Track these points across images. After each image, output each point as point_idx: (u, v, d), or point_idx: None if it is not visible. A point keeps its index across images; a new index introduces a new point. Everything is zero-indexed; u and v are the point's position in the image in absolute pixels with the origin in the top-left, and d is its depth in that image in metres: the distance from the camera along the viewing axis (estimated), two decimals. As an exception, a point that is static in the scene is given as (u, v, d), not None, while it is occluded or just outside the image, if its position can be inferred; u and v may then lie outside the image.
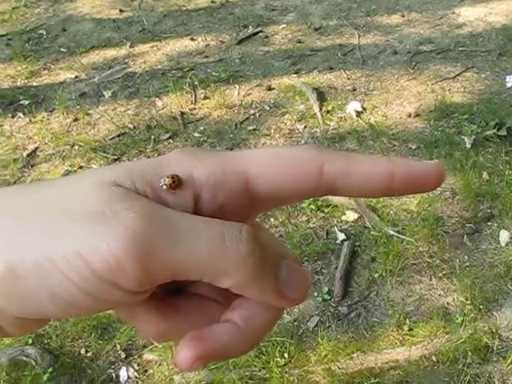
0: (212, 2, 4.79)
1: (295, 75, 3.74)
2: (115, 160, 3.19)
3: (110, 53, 4.21)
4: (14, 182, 3.11)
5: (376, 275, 2.44)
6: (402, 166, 0.32)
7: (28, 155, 3.30)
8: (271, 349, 2.17)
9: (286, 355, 2.17)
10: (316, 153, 0.32)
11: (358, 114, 3.35)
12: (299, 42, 4.12)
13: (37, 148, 3.36)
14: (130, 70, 3.98)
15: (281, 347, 2.19)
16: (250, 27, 4.35)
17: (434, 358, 2.12)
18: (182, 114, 3.48)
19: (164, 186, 0.31)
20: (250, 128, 3.34)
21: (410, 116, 3.31)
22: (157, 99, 3.64)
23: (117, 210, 0.28)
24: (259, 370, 2.13)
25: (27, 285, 0.28)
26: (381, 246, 2.53)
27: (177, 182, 0.31)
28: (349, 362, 2.15)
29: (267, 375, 2.11)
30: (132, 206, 0.29)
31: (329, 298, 2.37)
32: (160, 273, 0.28)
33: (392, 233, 2.59)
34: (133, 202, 0.29)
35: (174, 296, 0.33)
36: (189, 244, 0.28)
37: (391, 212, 2.70)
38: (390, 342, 2.21)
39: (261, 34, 4.27)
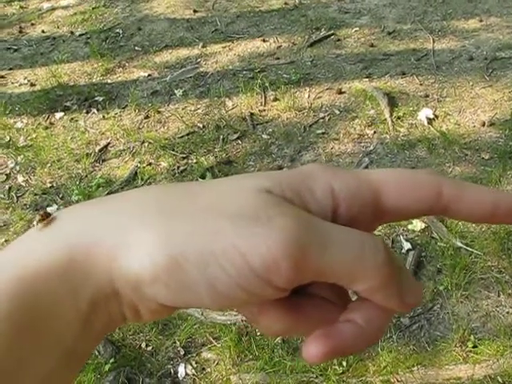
0: (285, 3, 4.79)
1: (367, 79, 3.68)
2: (183, 158, 3.24)
3: (183, 52, 4.27)
4: (86, 177, 3.21)
5: (441, 288, 2.38)
6: (507, 197, 0.34)
7: (100, 150, 3.40)
8: (329, 356, 2.15)
9: (344, 363, 2.14)
10: (436, 177, 0.35)
11: (430, 121, 3.27)
12: (372, 45, 4.06)
13: (108, 144, 3.45)
14: (201, 69, 4.03)
15: (339, 355, 2.16)
16: (323, 30, 4.32)
17: (499, 379, 2.04)
18: (252, 114, 3.50)
19: (36, 223, 0.33)
20: (319, 132, 3.31)
21: (484, 125, 3.20)
22: (227, 99, 3.67)
23: (271, 214, 0.31)
24: (316, 377, 2.11)
25: (188, 276, 0.30)
26: (447, 258, 2.46)
27: (45, 218, 0.33)
28: (408, 375, 2.10)
29: (324, 382, 2.09)
30: (285, 211, 0.31)
31: (391, 308, 2.32)
32: (308, 274, 0.31)
33: (460, 245, 2.51)
34: (285, 207, 0.32)
35: (296, 295, 0.35)
36: (335, 250, 0.30)
37: (460, 223, 2.61)
38: (452, 358, 2.14)
39: (333, 36, 4.23)
